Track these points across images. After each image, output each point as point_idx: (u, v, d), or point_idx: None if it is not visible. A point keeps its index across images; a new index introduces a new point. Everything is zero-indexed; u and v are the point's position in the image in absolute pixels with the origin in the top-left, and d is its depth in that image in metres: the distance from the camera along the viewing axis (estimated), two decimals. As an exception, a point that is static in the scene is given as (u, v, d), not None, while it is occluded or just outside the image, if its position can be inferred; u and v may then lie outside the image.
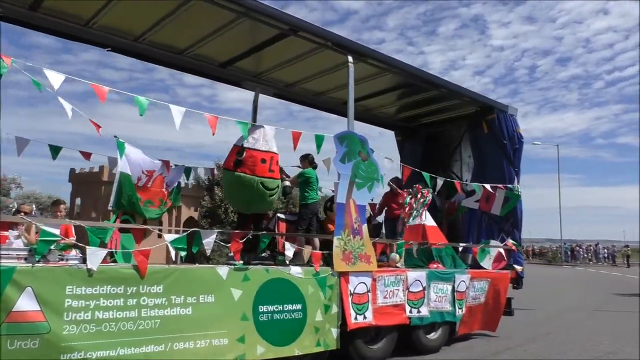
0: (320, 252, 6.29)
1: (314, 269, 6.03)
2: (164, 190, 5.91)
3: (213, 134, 5.30)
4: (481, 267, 8.68)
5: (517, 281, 8.99)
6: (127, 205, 5.29)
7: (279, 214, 7.03)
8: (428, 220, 8.69)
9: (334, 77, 8.15)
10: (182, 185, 6.51)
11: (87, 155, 6.38)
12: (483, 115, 9.16)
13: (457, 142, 10.12)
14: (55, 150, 6.16)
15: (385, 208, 8.69)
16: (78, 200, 5.59)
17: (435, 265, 7.94)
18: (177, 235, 5.01)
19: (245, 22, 6.33)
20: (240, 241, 5.47)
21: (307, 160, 7.03)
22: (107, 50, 6.98)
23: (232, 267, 5.31)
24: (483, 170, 9.26)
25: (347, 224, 6.43)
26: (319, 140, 6.31)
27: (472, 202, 9.27)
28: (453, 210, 9.84)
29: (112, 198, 5.16)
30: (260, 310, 5.42)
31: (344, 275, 6.29)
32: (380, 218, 8.88)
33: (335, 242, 6.27)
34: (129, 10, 6.18)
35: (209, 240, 5.22)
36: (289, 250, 5.91)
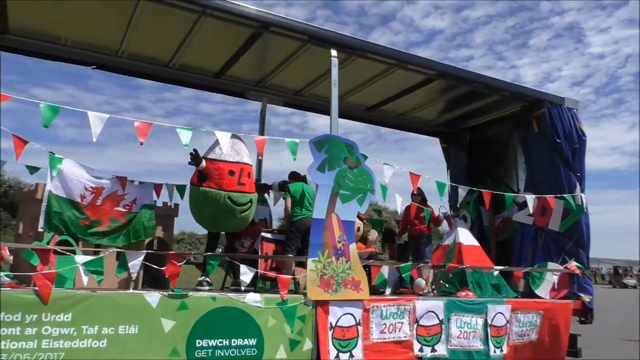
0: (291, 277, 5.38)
1: (280, 297, 5.12)
2: (119, 209, 5.40)
3: (141, 144, 4.71)
4: (536, 296, 7.09)
5: (585, 313, 7.18)
6: (61, 226, 4.85)
7: (263, 233, 6.22)
8: (465, 238, 7.36)
9: (342, 79, 7.26)
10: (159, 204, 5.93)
11: None
12: (532, 112, 7.65)
13: (506, 146, 8.58)
14: (32, 169, 5.96)
15: (408, 225, 7.49)
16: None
17: (463, 293, 6.57)
18: (89, 257, 4.45)
19: (209, 22, 5.76)
20: (179, 264, 4.76)
21: (293, 176, 6.31)
22: (92, 68, 6.81)
23: (166, 294, 4.62)
24: (535, 176, 7.68)
25: (327, 244, 5.45)
26: (292, 147, 5.50)
27: (525, 217, 7.68)
28: (506, 227, 8.27)
29: (41, 218, 4.77)
30: (197, 345, 4.63)
31: (321, 304, 5.29)
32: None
33: (310, 265, 5.31)
34: (91, 22, 5.90)
35: (135, 262, 4.60)
36: (245, 275, 5.08)
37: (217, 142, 5.49)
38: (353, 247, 5.61)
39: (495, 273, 6.77)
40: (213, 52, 6.58)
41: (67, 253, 4.56)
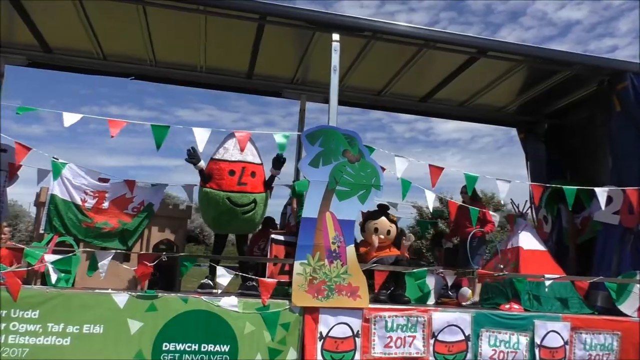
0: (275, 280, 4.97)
1: (261, 301, 4.76)
2: (127, 211, 5.53)
3: (112, 136, 4.74)
4: (620, 313, 5.70)
5: (688, 338, 5.56)
6: (60, 228, 5.09)
7: (272, 235, 5.86)
8: (526, 242, 6.22)
9: (373, 68, 6.70)
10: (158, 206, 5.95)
11: None
12: (613, 87, 6.23)
13: (589, 133, 7.09)
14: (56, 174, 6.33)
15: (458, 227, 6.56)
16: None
17: (507, 306, 5.52)
18: (56, 256, 4.56)
19: (212, 20, 5.69)
20: (150, 264, 4.66)
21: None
22: (131, 79, 7.16)
23: (135, 294, 4.56)
24: (620, 165, 6.20)
25: (319, 245, 4.95)
26: (280, 141, 5.20)
27: (609, 215, 6.22)
28: (585, 228, 6.82)
29: (43, 220, 5.06)
30: (164, 348, 4.47)
31: (310, 312, 4.80)
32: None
33: (298, 268, 4.87)
34: (112, 34, 6.20)
35: (104, 262, 4.61)
36: (222, 277, 4.81)
37: (221, 143, 5.37)
38: (351, 249, 5.02)
39: (548, 283, 5.54)
40: (231, 51, 6.48)
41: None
